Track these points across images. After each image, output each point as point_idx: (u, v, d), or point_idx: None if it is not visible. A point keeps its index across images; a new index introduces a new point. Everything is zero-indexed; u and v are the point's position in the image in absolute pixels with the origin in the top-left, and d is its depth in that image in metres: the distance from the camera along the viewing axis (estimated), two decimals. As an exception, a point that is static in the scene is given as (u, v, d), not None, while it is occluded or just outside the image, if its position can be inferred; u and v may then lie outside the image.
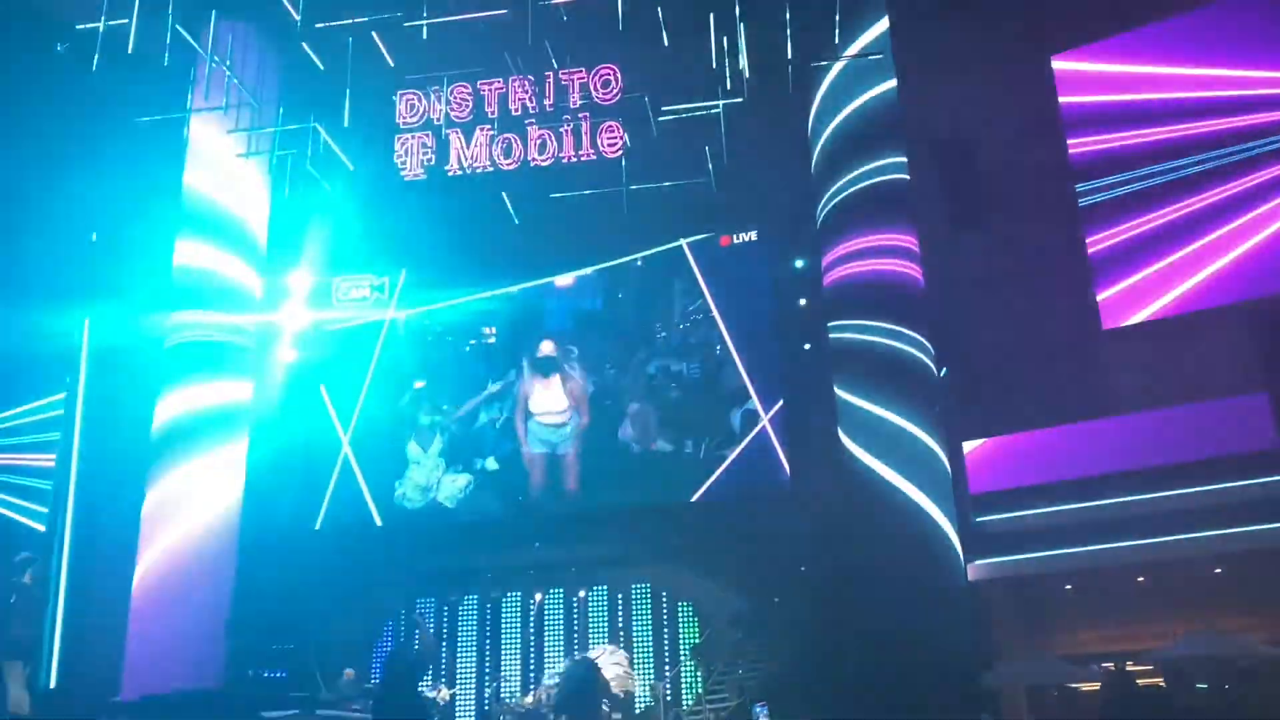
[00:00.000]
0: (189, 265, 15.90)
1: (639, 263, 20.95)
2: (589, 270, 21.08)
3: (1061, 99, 17.84)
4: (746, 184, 18.20)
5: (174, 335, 15.63)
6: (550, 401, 20.18)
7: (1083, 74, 17.80)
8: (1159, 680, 13.52)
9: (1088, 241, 17.19)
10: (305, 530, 19.64)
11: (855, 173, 15.86)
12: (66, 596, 16.90)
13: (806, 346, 19.53)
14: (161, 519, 14.90)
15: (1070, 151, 17.61)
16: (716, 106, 15.24)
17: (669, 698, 17.05)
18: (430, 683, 17.61)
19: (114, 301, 17.55)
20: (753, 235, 20.58)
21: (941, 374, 12.71)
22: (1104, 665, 14.85)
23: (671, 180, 17.79)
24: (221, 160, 16.20)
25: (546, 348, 20.46)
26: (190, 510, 14.94)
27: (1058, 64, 17.99)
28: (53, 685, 15.82)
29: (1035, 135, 17.86)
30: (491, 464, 20.15)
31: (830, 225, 16.26)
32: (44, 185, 17.11)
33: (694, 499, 19.17)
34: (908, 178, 15.98)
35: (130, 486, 15.51)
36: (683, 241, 20.68)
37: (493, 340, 21.19)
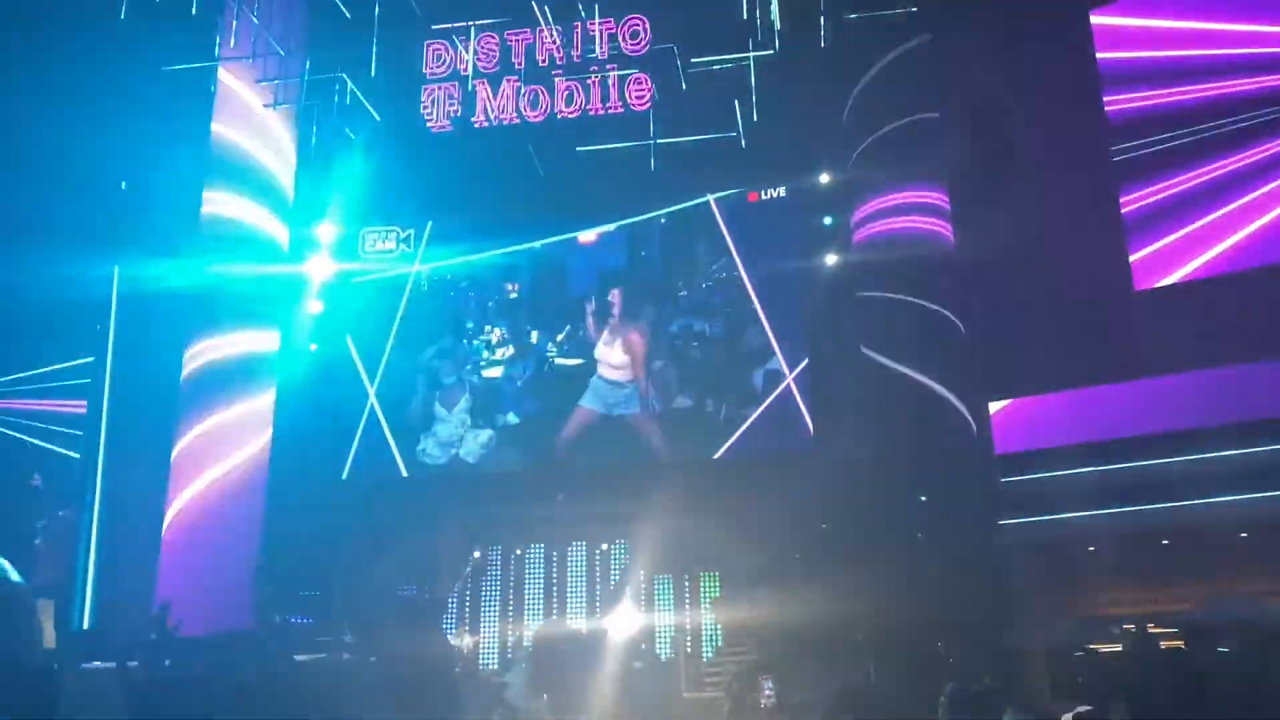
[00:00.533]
0: (216, 215, 15.97)
1: (662, 220, 20.81)
2: (612, 227, 20.96)
3: (1099, 55, 17.48)
4: (776, 139, 18.00)
5: (202, 284, 15.72)
6: (610, 355, 20.09)
7: (1122, 29, 17.42)
8: (1181, 644, 13.47)
9: (1122, 201, 16.92)
10: (332, 480, 19.85)
11: (886, 129, 15.68)
12: (99, 541, 17.20)
13: (833, 305, 19.42)
14: (191, 466, 15.12)
15: (1107, 109, 17.28)
16: (747, 59, 15.05)
17: (689, 651, 17.20)
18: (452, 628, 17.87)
19: (143, 250, 17.65)
20: (781, 191, 20.39)
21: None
22: (1126, 627, 14.81)
23: (699, 134, 17.63)
24: (248, 110, 16.20)
25: (614, 297, 20.32)
26: (219, 458, 15.14)
27: (1096, 19, 17.61)
28: (86, 625, 16.16)
29: (1071, 91, 17.53)
30: (512, 419, 20.22)
31: (860, 182, 16.10)
32: (73, 133, 17.15)
33: (716, 456, 19.19)
34: (940, 134, 15.77)
35: (160, 434, 15.72)
36: (710, 197, 20.52)
37: (515, 296, 21.17)
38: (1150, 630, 14.50)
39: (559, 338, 20.40)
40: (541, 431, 19.93)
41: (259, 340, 15.92)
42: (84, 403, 18.19)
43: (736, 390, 19.42)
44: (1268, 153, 15.80)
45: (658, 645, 17.62)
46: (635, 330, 19.91)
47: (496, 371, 20.61)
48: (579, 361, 20.19)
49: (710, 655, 17.32)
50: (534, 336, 20.62)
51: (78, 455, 17.95)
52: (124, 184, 17.95)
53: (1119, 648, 13.83)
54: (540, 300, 20.91)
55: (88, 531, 17.16)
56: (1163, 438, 14.70)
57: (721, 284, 20.26)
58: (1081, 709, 7.14)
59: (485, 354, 20.84)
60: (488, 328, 21.03)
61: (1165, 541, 15.09)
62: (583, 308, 20.39)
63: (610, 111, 16.65)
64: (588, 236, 20.97)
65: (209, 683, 6.18)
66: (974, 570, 14.08)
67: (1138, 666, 10.95)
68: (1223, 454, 14.18)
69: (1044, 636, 14.28)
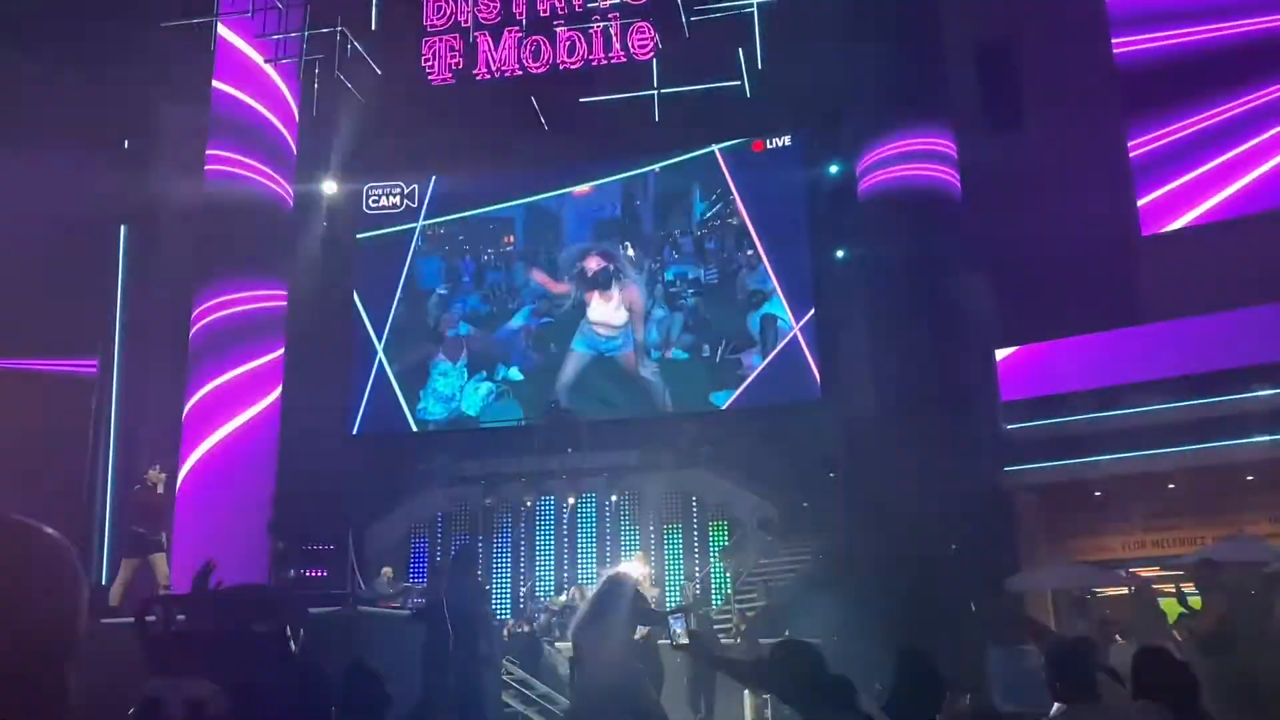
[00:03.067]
0: (220, 171, 15.93)
1: (656, 170, 20.76)
2: (615, 178, 20.90)
3: (1108, -5, 17.23)
4: (782, 87, 17.82)
5: (208, 242, 15.75)
6: (609, 314, 20.18)
7: (1131, -32, 17.15)
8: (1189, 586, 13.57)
9: (1130, 144, 16.76)
10: (342, 435, 20.00)
11: (891, 73, 15.49)
12: (113, 498, 17.41)
13: (840, 254, 19.37)
14: (203, 424, 15.25)
15: (1115, 51, 17.06)
16: (751, 5, 14.87)
17: (698, 597, 17.37)
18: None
19: (148, 208, 17.64)
20: (786, 140, 20.25)
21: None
22: (1131, 570, 14.95)
23: (704, 83, 17.44)
24: (249, 65, 16.09)
25: (593, 264, 20.40)
26: (230, 415, 15.27)
27: (1105, -42, 17.33)
28: (103, 582, 16.40)
29: (1079, 33, 17.29)
30: (515, 374, 20.32)
31: (865, 129, 15.96)
32: (75, 92, 17.07)
33: (725, 406, 19.28)
34: (946, 78, 15.59)
35: (171, 392, 15.84)
36: (715, 147, 20.40)
37: (511, 248, 21.22)
38: (1156, 573, 14.66)
39: (542, 300, 20.61)
40: (543, 385, 20.09)
41: (266, 297, 15.96)
42: (95, 362, 18.30)
43: (732, 335, 19.53)
44: (1273, 95, 15.61)
45: (666, 594, 17.80)
46: (633, 286, 20.04)
47: (494, 325, 20.73)
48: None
49: (719, 602, 17.50)
50: (528, 290, 20.81)
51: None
52: (126, 143, 17.88)
53: (1124, 591, 13.99)
54: (536, 252, 20.98)
55: (103, 489, 17.37)
56: (1168, 382, 14.70)
57: (716, 230, 20.27)
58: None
59: (483, 308, 20.94)
60: (486, 281, 21.12)
61: (1171, 485, 15.16)
62: (572, 264, 20.55)
63: (613, 61, 16.47)
64: (582, 189, 20.95)
65: (224, 636, 6.30)
66: (981, 516, 14.18)
67: (1140, 611, 11.07)
68: (1228, 398, 14.19)
69: (1049, 580, 14.43)
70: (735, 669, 4.60)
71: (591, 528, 19.25)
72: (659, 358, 19.80)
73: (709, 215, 20.35)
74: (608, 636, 6.44)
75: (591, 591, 6.49)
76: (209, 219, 15.88)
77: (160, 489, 11.85)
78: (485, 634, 7.65)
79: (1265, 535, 13.83)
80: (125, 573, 11.59)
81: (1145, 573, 14.86)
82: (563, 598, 17.26)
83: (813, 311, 19.20)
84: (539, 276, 20.70)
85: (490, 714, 8.04)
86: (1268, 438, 13.90)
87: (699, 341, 19.74)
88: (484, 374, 20.42)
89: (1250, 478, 14.64)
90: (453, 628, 7.54)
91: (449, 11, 16.27)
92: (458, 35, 16.44)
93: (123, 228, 18.28)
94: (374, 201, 21.26)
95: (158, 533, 11.72)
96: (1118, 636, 10.02)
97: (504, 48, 16.18)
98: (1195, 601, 9.02)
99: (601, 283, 20.27)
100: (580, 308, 20.28)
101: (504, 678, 12.50)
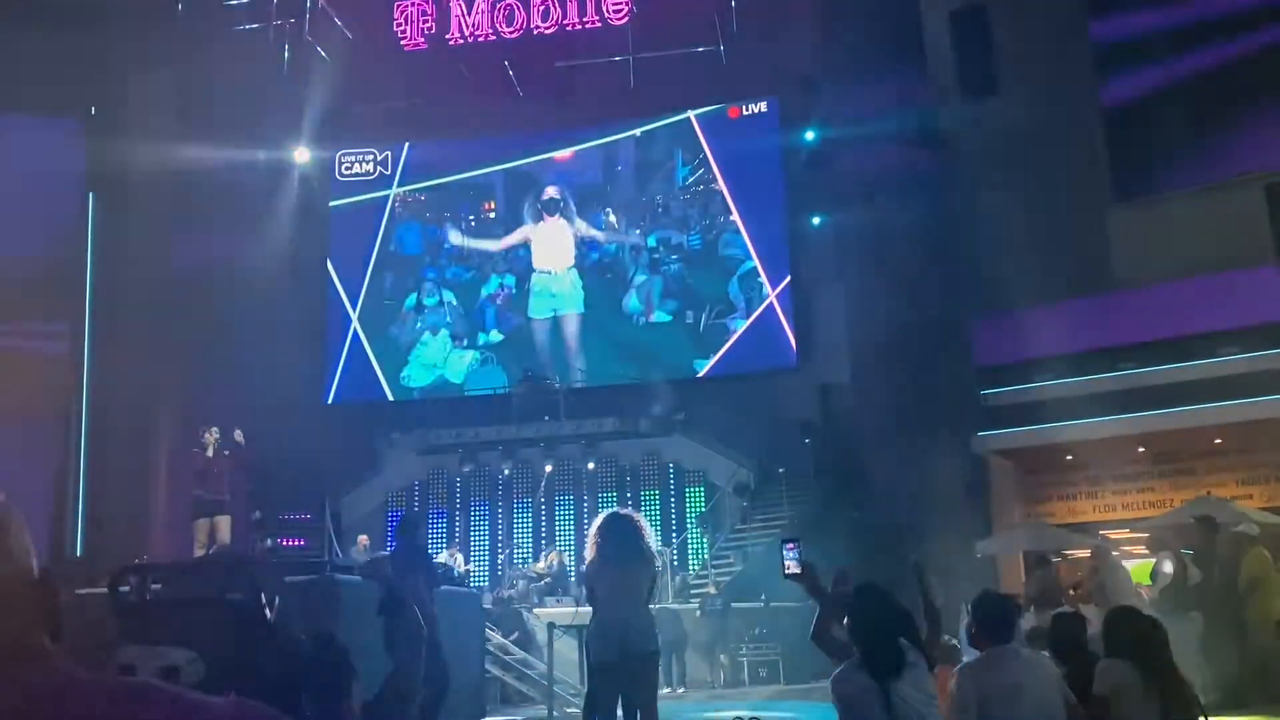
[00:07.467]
0: (191, 138, 15.74)
1: (637, 134, 20.67)
2: (589, 145, 20.79)
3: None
4: (757, 53, 17.76)
5: (179, 208, 15.59)
6: (552, 247, 20.30)
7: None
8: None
9: (1104, 109, 16.75)
10: (318, 403, 19.92)
11: (865, 38, 15.47)
12: (87, 468, 17.28)
13: (815, 221, 19.39)
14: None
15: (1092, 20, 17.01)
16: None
17: (675, 563, 17.52)
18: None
19: (119, 177, 17.40)
20: (763, 106, 20.16)
21: None
22: (1102, 533, 15.15)
23: (680, 49, 17.38)
24: (219, 30, 15.86)
25: (551, 191, 20.55)
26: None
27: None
28: (79, 553, 16.34)
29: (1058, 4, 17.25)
30: (495, 336, 20.34)
31: (841, 95, 15.95)
32: (40, 58, 16.77)
33: (701, 374, 19.34)
34: (921, 44, 15.58)
35: (143, 361, 15.70)
36: (691, 113, 20.29)
37: (492, 215, 21.13)
38: (1126, 535, 14.89)
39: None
40: (523, 347, 20.11)
41: (235, 262, 15.85)
42: (66, 332, 18.09)
43: (715, 300, 19.59)
44: (1248, 58, 15.63)
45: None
46: (578, 220, 20.31)
47: (475, 293, 20.68)
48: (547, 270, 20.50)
49: (696, 567, 17.65)
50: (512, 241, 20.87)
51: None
52: (93, 109, 17.59)
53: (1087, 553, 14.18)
54: (516, 220, 20.91)
55: (76, 461, 17.23)
56: (1139, 347, 14.85)
57: (698, 196, 20.24)
58: (1059, 610, 7.35)
59: (465, 274, 20.87)
60: (467, 248, 21.04)
61: (1141, 449, 15.34)
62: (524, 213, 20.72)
63: (587, 26, 16.37)
64: (563, 154, 20.84)
65: (201, 605, 6.31)
66: (954, 481, 14.34)
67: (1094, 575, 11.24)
68: (1197, 362, 14.34)
69: (1020, 543, 14.61)
70: (828, 604, 4.41)
71: (569, 495, 19.32)
72: (644, 323, 19.87)
73: (691, 180, 20.31)
74: (630, 580, 5.85)
75: (601, 533, 5.85)
76: (182, 185, 15.70)
77: (210, 451, 11.73)
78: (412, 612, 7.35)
79: (1233, 497, 14.03)
80: (199, 535, 11.54)
81: (1115, 535, 15.09)
82: (540, 564, 17.37)
83: (789, 279, 19.23)
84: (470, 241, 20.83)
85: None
86: (1235, 401, 14.07)
87: (682, 308, 19.78)
88: (465, 341, 20.39)
89: (1218, 441, 14.84)
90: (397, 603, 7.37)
91: (421, -26, 16.10)
92: (430, 0, 16.28)
93: (91, 195, 18.01)
94: (346, 169, 21.05)
95: (217, 494, 11.65)
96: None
97: (477, 12, 16.06)
98: (1145, 567, 9.19)
99: (549, 208, 20.39)
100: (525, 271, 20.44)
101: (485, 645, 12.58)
